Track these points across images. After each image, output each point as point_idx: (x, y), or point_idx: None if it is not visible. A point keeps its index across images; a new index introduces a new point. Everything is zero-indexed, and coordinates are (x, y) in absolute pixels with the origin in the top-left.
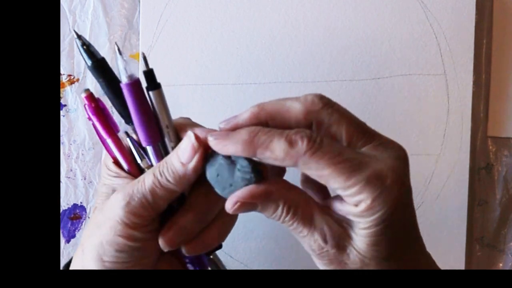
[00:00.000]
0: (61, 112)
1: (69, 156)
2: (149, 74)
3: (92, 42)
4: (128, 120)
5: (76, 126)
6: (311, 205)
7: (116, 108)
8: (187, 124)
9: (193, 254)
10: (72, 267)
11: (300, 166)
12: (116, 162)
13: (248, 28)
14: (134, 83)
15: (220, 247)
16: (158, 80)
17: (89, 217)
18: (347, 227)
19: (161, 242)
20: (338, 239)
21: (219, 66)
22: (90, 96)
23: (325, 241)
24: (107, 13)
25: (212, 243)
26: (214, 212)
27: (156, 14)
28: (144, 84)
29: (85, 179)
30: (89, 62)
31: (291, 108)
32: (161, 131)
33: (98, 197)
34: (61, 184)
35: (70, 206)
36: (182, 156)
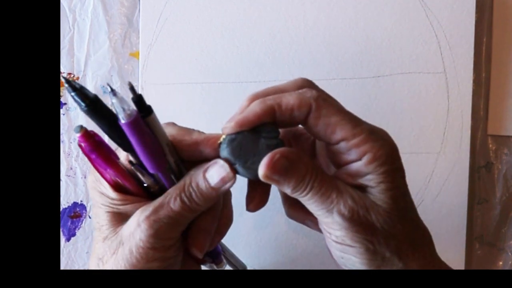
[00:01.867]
0: (61, 111)
1: (69, 155)
2: (139, 101)
3: (91, 40)
4: (127, 149)
5: (76, 125)
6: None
7: (115, 142)
8: (186, 133)
9: (214, 247)
10: None
11: (311, 114)
12: (115, 188)
13: (248, 26)
14: (134, 120)
15: None
16: (158, 77)
17: (89, 216)
18: (364, 192)
19: (194, 251)
20: (363, 200)
21: (219, 65)
22: (86, 134)
23: (355, 201)
24: (107, 11)
25: (226, 230)
26: (221, 202)
27: (156, 12)
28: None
29: (85, 177)
30: (82, 105)
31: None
32: (165, 154)
33: (97, 228)
34: (61, 182)
35: (70, 205)
36: (212, 182)
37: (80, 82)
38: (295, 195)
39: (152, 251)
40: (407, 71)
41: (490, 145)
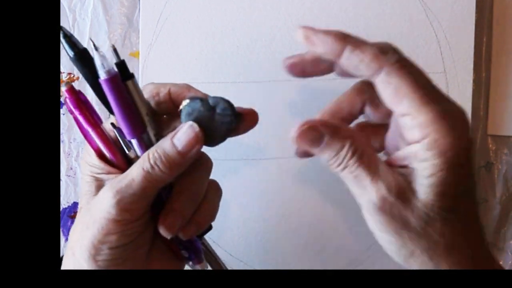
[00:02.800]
0: (61, 111)
1: (69, 155)
2: (122, 65)
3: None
4: (111, 110)
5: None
6: (376, 155)
7: (99, 99)
8: (183, 90)
9: (188, 237)
10: (63, 267)
11: (380, 77)
12: (99, 155)
13: (248, 26)
14: (112, 78)
15: (210, 228)
16: (158, 77)
17: None
18: (410, 180)
19: (162, 230)
20: (403, 190)
21: (219, 65)
22: (71, 89)
23: (390, 190)
24: (107, 11)
25: (205, 223)
26: (203, 190)
27: (156, 12)
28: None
29: None
30: (71, 53)
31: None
32: (143, 122)
33: (82, 196)
34: (61, 182)
35: (70, 205)
36: (180, 145)
37: (80, 81)
38: (333, 169)
39: (112, 223)
40: None
41: (490, 145)
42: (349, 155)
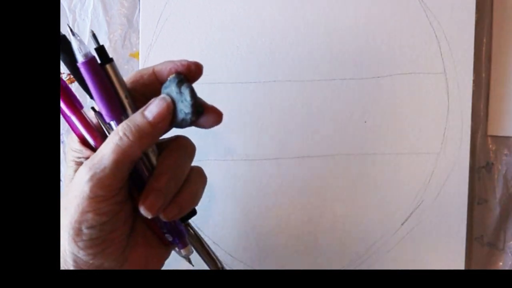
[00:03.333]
0: None
1: None
2: (101, 50)
3: (91, 41)
4: (91, 95)
5: None
6: None
7: (80, 84)
8: (166, 65)
9: (170, 219)
10: None
11: None
12: (82, 142)
13: (248, 27)
14: (89, 61)
15: (194, 213)
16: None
17: None
18: None
19: (142, 210)
20: None
21: (219, 65)
22: None
23: None
24: (107, 11)
25: (187, 206)
26: (185, 172)
27: (156, 12)
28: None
29: None
30: None
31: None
32: (123, 104)
33: (64, 181)
34: (61, 183)
35: None
36: (150, 116)
37: None
38: None
39: (87, 201)
40: (407, 72)
41: (490, 146)
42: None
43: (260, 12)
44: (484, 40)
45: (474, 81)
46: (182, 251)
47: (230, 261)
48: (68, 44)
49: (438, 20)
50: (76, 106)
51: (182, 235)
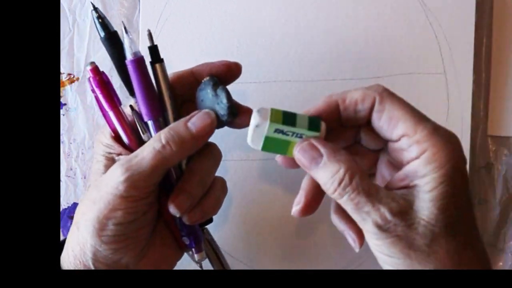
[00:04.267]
0: (61, 111)
1: (69, 155)
2: (154, 49)
3: (91, 41)
4: (132, 92)
5: (76, 125)
6: (372, 180)
7: (122, 80)
8: (204, 67)
9: (193, 223)
10: (67, 245)
11: (375, 107)
12: (115, 137)
13: (248, 27)
14: (138, 60)
15: (211, 220)
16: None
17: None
18: (411, 200)
19: (171, 208)
20: (405, 210)
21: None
22: (95, 69)
23: (392, 212)
24: (107, 12)
25: (209, 211)
26: (211, 178)
27: (156, 13)
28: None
29: (85, 178)
30: (102, 34)
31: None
32: (164, 104)
33: (92, 174)
34: (61, 183)
35: (70, 205)
36: (194, 128)
37: (80, 82)
38: (330, 194)
39: (119, 199)
40: (407, 72)
41: (490, 146)
42: (346, 180)
43: (260, 12)
44: (484, 40)
45: (474, 82)
46: (196, 255)
47: (230, 261)
48: (118, 41)
49: (438, 20)
50: (115, 102)
51: (199, 240)
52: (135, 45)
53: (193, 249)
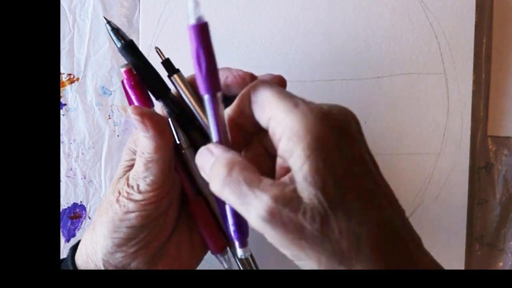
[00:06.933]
0: (61, 111)
1: (69, 155)
2: (167, 62)
3: (91, 41)
4: (158, 95)
5: (76, 125)
6: (252, 166)
7: (148, 84)
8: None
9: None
10: (82, 244)
11: (251, 98)
12: None
13: (248, 27)
14: (201, 25)
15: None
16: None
17: (89, 217)
18: (292, 183)
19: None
20: (290, 196)
21: (219, 65)
22: (129, 71)
23: (277, 200)
24: (107, 12)
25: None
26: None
27: (156, 13)
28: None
29: (85, 178)
30: (119, 44)
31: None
32: (194, 109)
33: (114, 178)
34: (61, 183)
35: (70, 205)
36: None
37: (80, 82)
38: (213, 190)
39: (132, 202)
40: (407, 72)
41: (490, 146)
42: (224, 171)
43: (260, 12)
44: (484, 40)
45: (474, 82)
46: (239, 250)
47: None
48: (135, 48)
49: (438, 20)
50: (148, 104)
51: (246, 234)
52: (200, 9)
53: (237, 243)
